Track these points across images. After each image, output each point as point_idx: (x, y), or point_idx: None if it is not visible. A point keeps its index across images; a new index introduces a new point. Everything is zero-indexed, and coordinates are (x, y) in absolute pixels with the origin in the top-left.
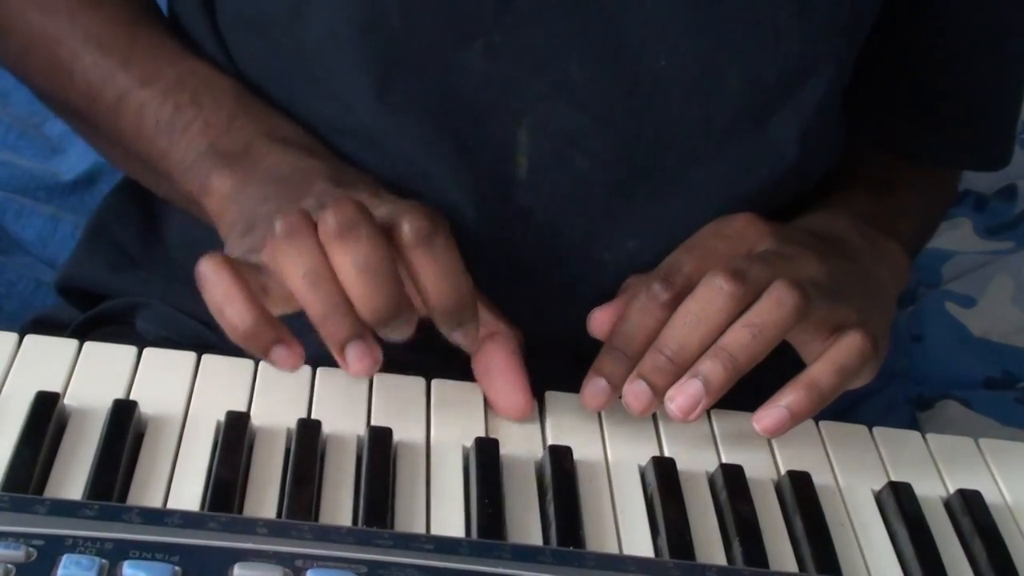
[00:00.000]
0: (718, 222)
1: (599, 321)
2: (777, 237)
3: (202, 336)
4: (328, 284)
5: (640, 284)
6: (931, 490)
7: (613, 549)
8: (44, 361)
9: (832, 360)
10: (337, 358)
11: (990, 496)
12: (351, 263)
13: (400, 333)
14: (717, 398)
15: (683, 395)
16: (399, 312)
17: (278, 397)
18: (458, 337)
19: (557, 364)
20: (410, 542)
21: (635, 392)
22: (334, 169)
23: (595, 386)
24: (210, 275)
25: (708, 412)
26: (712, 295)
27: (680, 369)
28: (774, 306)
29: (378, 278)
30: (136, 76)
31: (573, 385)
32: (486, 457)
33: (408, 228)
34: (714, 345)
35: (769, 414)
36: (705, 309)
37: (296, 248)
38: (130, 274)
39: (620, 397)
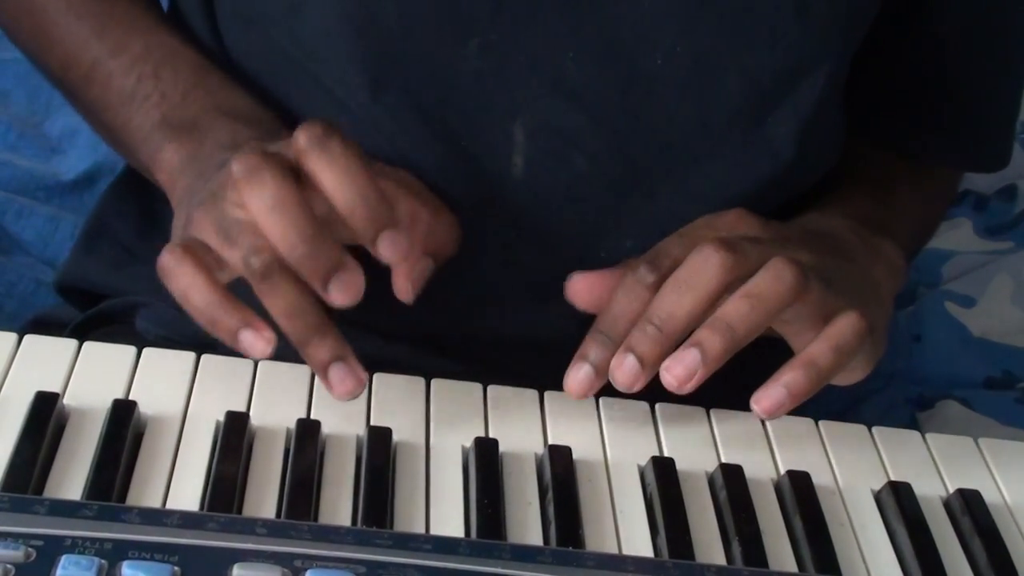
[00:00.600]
0: (710, 216)
1: (577, 287)
2: (769, 230)
3: (202, 335)
4: (284, 277)
5: (627, 268)
6: (931, 490)
7: (612, 549)
8: (43, 361)
9: (829, 338)
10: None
11: (990, 496)
12: (261, 205)
13: (342, 289)
14: (714, 369)
15: (680, 365)
16: (316, 244)
17: (278, 397)
18: (384, 249)
19: (556, 363)
20: (409, 542)
21: (622, 366)
22: (268, 136)
23: (579, 372)
24: (172, 266)
25: (708, 412)
26: (701, 262)
27: (668, 338)
28: (773, 279)
29: (285, 211)
30: (107, 46)
31: None
32: (485, 457)
33: (301, 136)
34: (712, 316)
35: (768, 395)
36: (694, 277)
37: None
38: (130, 272)
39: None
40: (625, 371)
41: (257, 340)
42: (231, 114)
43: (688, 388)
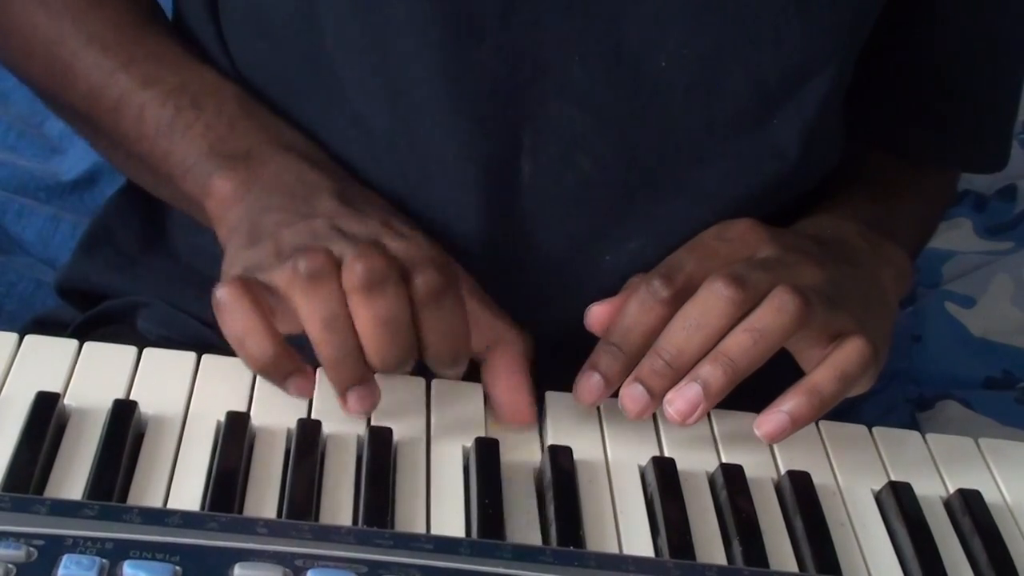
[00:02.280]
0: (720, 226)
1: (596, 316)
2: (778, 243)
3: (203, 336)
4: (345, 332)
5: (641, 281)
6: (931, 490)
7: (613, 549)
8: (44, 361)
9: (833, 366)
10: (339, 397)
11: (990, 496)
12: (374, 318)
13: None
14: (716, 402)
15: (682, 399)
16: (407, 363)
17: (278, 397)
18: (443, 373)
19: (558, 364)
20: (410, 542)
21: (632, 395)
22: (339, 183)
23: (589, 381)
24: (229, 304)
25: (698, 421)
26: (712, 300)
27: (678, 374)
28: (775, 312)
29: (396, 334)
30: (137, 78)
31: (571, 384)
32: (486, 457)
33: (420, 284)
34: (714, 350)
35: (770, 420)
36: (705, 314)
37: (320, 293)
38: (130, 274)
39: (613, 394)
40: (636, 401)
41: (305, 385)
42: (287, 148)
43: (691, 421)
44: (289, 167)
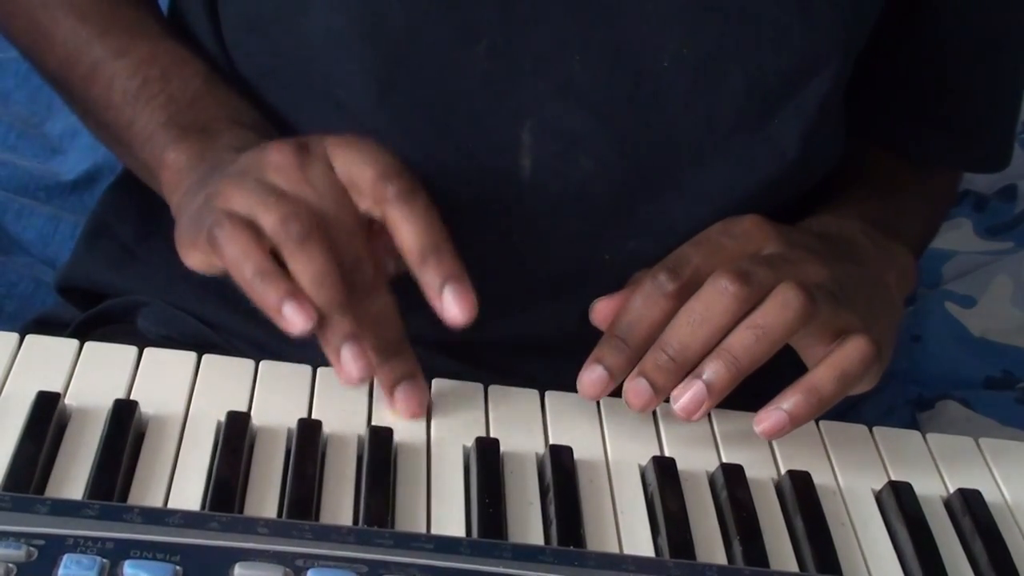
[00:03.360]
0: (726, 222)
1: (602, 311)
2: (784, 240)
3: (203, 335)
4: (320, 245)
5: (646, 275)
6: (931, 490)
7: (613, 548)
8: (45, 361)
9: (834, 366)
10: (331, 360)
11: (990, 496)
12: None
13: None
14: (721, 398)
15: (687, 396)
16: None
17: (279, 397)
18: (449, 297)
19: (558, 363)
20: (411, 542)
21: (636, 390)
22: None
23: (593, 374)
24: (227, 232)
25: (704, 417)
26: (716, 296)
27: (681, 369)
28: (779, 308)
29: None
30: (111, 47)
31: (574, 385)
32: (486, 457)
33: (389, 188)
34: (718, 347)
35: (768, 417)
36: (709, 310)
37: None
38: (130, 271)
39: (616, 387)
40: (640, 395)
41: (298, 312)
42: (243, 125)
43: (696, 417)
44: (240, 139)
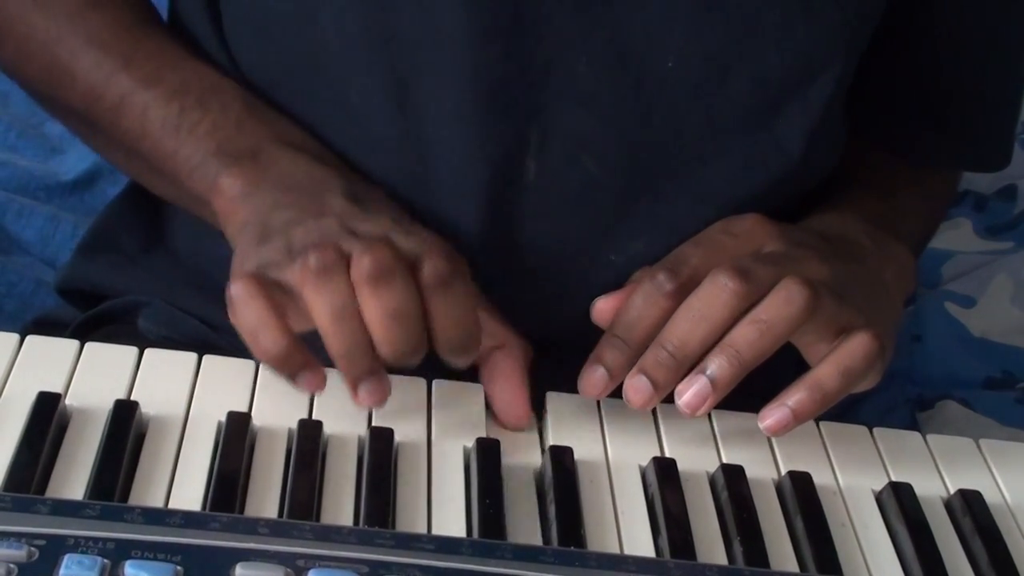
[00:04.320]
0: (727, 221)
1: (602, 309)
2: (784, 238)
3: (204, 335)
4: (355, 324)
5: (646, 274)
6: (931, 490)
7: (614, 549)
8: (45, 362)
9: (838, 362)
10: (350, 389)
11: (990, 496)
12: (382, 309)
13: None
14: (724, 394)
15: (690, 391)
16: (417, 353)
17: (279, 397)
18: (454, 362)
19: (561, 364)
20: (411, 542)
21: (636, 386)
22: (348, 181)
23: (593, 374)
24: (243, 299)
25: (709, 412)
26: (716, 292)
27: (681, 365)
28: (782, 303)
29: (406, 326)
30: (138, 78)
31: (575, 385)
32: (487, 457)
33: (429, 270)
34: (722, 341)
35: (772, 414)
36: (708, 306)
37: (329, 286)
38: (131, 274)
39: (617, 386)
40: (640, 392)
41: (314, 380)
42: (293, 146)
43: (700, 413)
44: (298, 164)
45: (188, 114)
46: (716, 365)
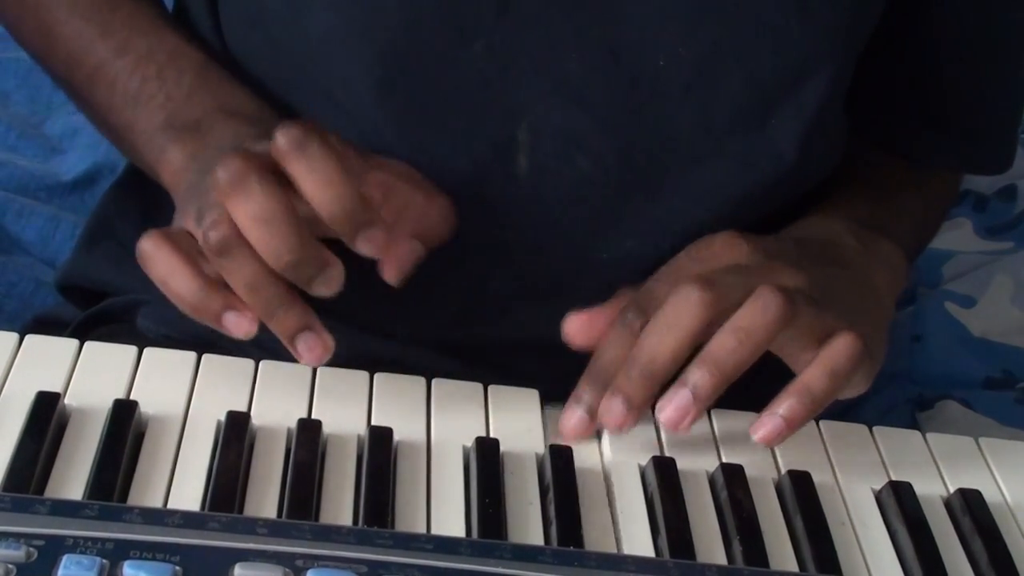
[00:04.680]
0: (695, 245)
1: (572, 327)
2: (758, 252)
3: (203, 334)
4: (244, 252)
5: (620, 308)
6: (931, 489)
7: (613, 549)
8: (45, 361)
9: (823, 364)
10: (289, 348)
11: (990, 496)
12: (245, 216)
13: (324, 284)
14: (706, 406)
15: (671, 406)
16: (302, 253)
17: (278, 397)
18: (361, 246)
19: (557, 363)
20: (410, 542)
21: (609, 409)
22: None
23: (573, 416)
24: (150, 251)
25: (708, 412)
26: (681, 302)
27: (653, 378)
28: (759, 311)
29: (272, 223)
30: (111, 47)
31: (573, 385)
32: (486, 457)
33: (279, 138)
34: (700, 354)
35: (765, 424)
36: (675, 316)
37: (214, 228)
38: (131, 270)
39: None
40: (613, 414)
41: (241, 320)
42: (234, 113)
43: (683, 428)
44: (230, 131)
45: (147, 85)
46: (696, 376)
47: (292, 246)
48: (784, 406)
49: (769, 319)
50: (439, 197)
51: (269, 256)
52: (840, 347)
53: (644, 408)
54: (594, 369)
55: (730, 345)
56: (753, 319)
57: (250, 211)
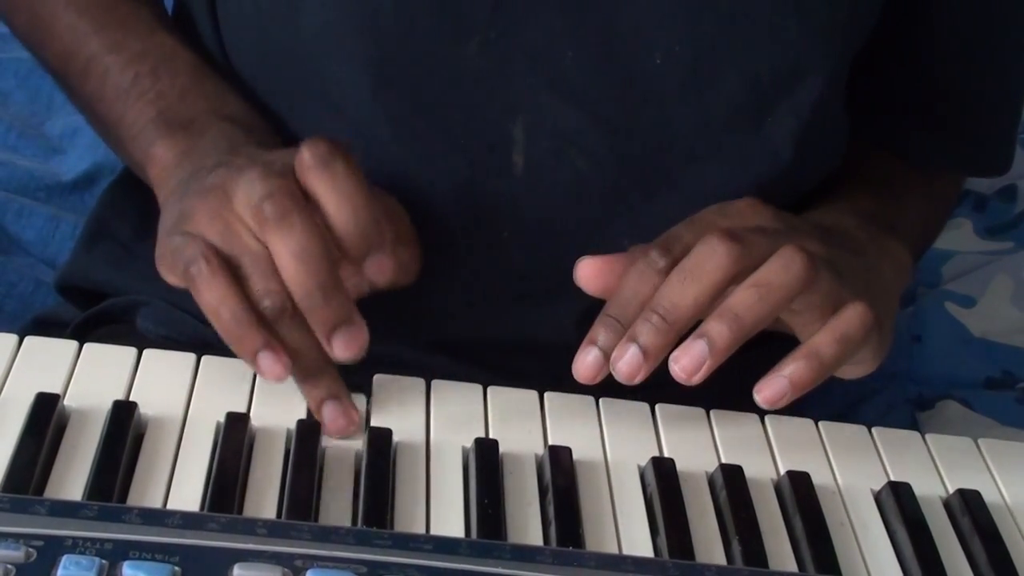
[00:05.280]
0: (722, 204)
1: (585, 271)
2: (780, 220)
3: (202, 335)
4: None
5: (638, 252)
6: (931, 490)
7: (613, 549)
8: (44, 362)
9: (833, 329)
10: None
11: (990, 496)
12: (286, 251)
13: (345, 341)
14: (721, 360)
15: (687, 355)
16: (330, 295)
17: (278, 398)
18: (368, 267)
19: (556, 363)
20: (410, 542)
21: (624, 356)
22: (262, 143)
23: (587, 356)
24: (205, 278)
25: (708, 413)
26: (707, 253)
27: (672, 329)
28: (781, 268)
29: (309, 261)
30: (106, 43)
31: (572, 384)
32: (486, 457)
33: (306, 153)
34: (720, 307)
35: (770, 384)
36: (699, 266)
37: (260, 287)
38: (130, 270)
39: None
40: (627, 361)
41: (275, 364)
42: (226, 117)
43: (697, 379)
44: (224, 135)
45: (140, 81)
46: (714, 329)
47: (323, 285)
48: (790, 367)
49: (791, 277)
50: (413, 247)
51: (299, 291)
52: (851, 315)
53: (659, 359)
54: (612, 307)
55: (750, 300)
56: (776, 276)
57: (291, 246)
